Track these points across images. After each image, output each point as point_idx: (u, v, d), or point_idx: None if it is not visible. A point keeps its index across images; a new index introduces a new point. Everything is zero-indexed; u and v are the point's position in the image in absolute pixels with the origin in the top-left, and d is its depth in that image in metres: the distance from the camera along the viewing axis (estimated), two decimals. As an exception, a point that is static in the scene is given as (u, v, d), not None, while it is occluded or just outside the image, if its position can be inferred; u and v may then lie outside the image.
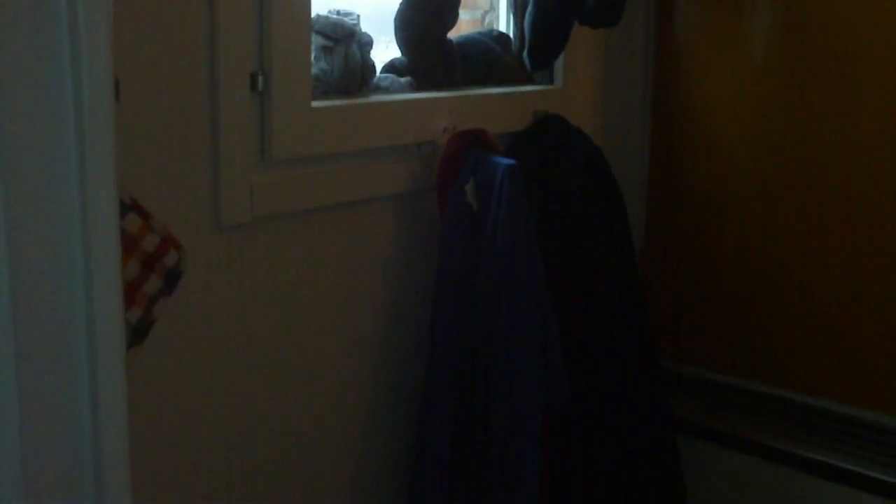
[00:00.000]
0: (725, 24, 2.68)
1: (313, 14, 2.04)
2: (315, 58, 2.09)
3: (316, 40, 2.07)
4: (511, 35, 2.62)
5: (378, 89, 2.22)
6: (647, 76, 2.84)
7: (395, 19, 2.31)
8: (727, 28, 2.67)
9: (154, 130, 1.77)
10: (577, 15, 2.47)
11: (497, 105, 2.45)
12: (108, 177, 1.11)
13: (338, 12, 2.15)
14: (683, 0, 2.76)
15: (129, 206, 1.69)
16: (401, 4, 2.30)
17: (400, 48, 2.33)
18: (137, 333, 1.75)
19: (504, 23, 2.68)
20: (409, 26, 2.30)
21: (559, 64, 2.62)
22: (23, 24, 1.03)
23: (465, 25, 2.65)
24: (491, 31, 2.60)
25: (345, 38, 2.09)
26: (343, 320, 2.16)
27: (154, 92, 1.76)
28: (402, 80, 2.28)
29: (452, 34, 2.44)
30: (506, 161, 2.14)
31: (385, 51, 2.37)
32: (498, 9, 2.69)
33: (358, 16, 2.17)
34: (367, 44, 2.15)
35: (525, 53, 2.46)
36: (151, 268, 1.74)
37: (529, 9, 2.44)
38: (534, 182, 2.33)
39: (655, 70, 2.83)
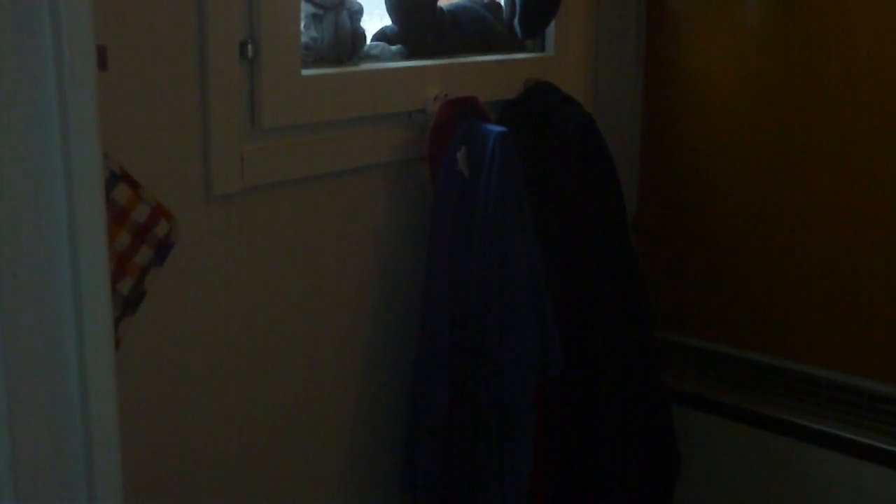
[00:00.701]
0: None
1: (303, -18, 2.03)
2: (305, 26, 2.07)
3: (306, 8, 2.06)
4: (502, 2, 2.60)
5: (368, 57, 2.21)
6: (638, 43, 2.82)
7: (385, -14, 2.30)
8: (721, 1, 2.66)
9: (143, 99, 1.76)
10: (568, -19, 2.46)
11: (488, 73, 2.44)
12: (93, 145, 1.09)
13: (328, -21, 2.14)
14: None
15: (118, 177, 1.68)
16: (391, -28, 2.29)
17: (390, 16, 2.32)
18: (129, 304, 1.74)
19: (495, -10, 2.66)
20: (398, -6, 2.29)
21: (550, 31, 2.60)
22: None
23: (456, -7, 2.63)
24: (482, -2, 2.58)
25: (334, 6, 2.08)
26: (335, 289, 2.15)
27: (143, 60, 1.74)
28: (393, 48, 2.27)
29: (443, 2, 2.42)
30: (497, 129, 2.14)
31: (379, 23, 2.36)
32: (489, -24, 2.66)
33: (347, -17, 2.15)
34: (357, 12, 2.14)
35: (516, 21, 2.45)
36: (142, 238, 1.74)
37: (520, -24, 2.43)
38: (525, 149, 2.31)
39: (648, 37, 2.82)
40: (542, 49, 2.64)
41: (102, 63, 1.67)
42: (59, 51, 1.05)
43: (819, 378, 2.59)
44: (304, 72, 2.00)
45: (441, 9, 2.40)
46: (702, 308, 2.79)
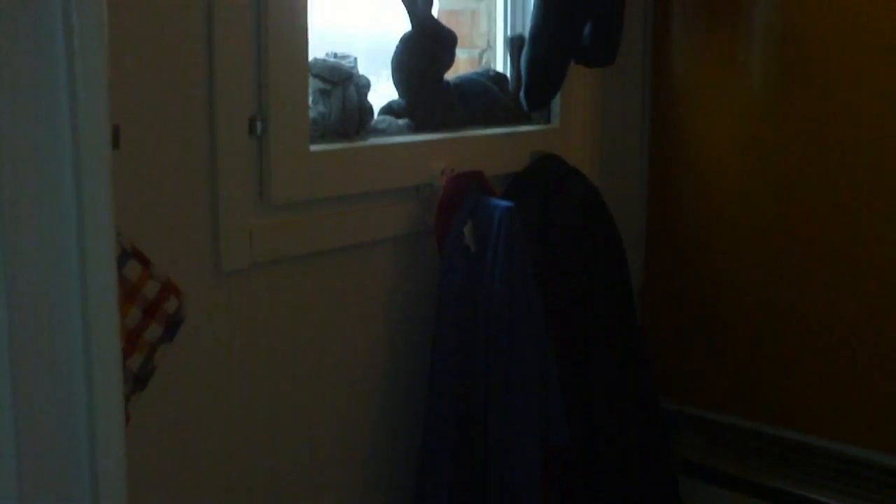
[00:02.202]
0: (722, 59, 2.68)
1: (311, 57, 2.05)
2: (313, 101, 2.09)
3: (313, 83, 2.08)
4: (508, 75, 2.63)
5: (376, 132, 2.22)
6: (643, 114, 2.85)
7: (392, 61, 2.32)
8: (724, 64, 2.68)
9: (153, 176, 1.77)
10: (573, 55, 2.49)
11: (494, 146, 2.46)
12: (107, 225, 1.10)
13: (335, 55, 2.15)
14: (679, 37, 2.78)
15: (129, 254, 1.69)
16: (397, 47, 2.31)
17: (397, 90, 2.34)
18: (139, 381, 1.75)
19: (501, 62, 2.69)
20: (405, 68, 2.31)
21: (556, 103, 2.63)
22: (22, 70, 1.03)
23: (462, 65, 2.66)
24: (488, 70, 2.60)
25: (342, 81, 2.09)
26: (343, 364, 2.15)
27: (153, 138, 1.76)
28: (400, 122, 2.28)
29: (450, 74, 2.44)
30: (503, 203, 2.15)
31: (386, 83, 2.37)
32: (495, 48, 2.70)
33: (355, 58, 2.17)
34: (364, 86, 2.15)
35: (522, 94, 2.47)
36: (152, 315, 1.75)
37: (525, 49, 2.45)
38: (532, 223, 2.33)
39: (652, 108, 2.84)
40: (548, 121, 2.66)
41: (115, 142, 1.69)
42: (75, 131, 1.07)
43: (826, 450, 2.59)
44: (313, 147, 2.01)
45: (447, 82, 2.41)
46: (707, 379, 2.79)
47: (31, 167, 1.05)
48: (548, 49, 2.42)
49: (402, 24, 2.32)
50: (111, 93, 1.57)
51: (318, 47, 2.06)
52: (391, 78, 2.34)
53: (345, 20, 2.36)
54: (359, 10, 2.36)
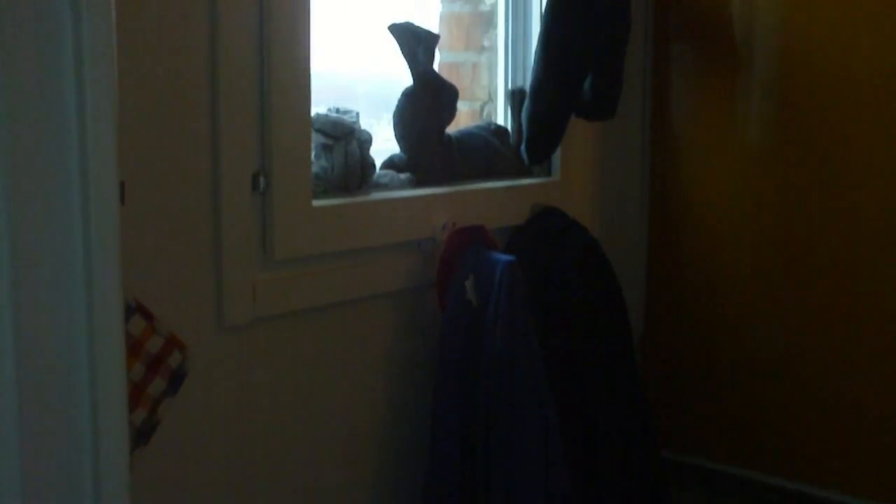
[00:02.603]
0: (720, 111, 2.71)
1: (313, 112, 2.07)
2: (315, 156, 2.11)
3: (316, 138, 2.10)
4: (509, 128, 2.65)
5: (378, 186, 2.24)
6: (643, 166, 2.87)
7: (394, 115, 2.33)
8: (721, 115, 2.70)
9: (158, 231, 1.79)
10: (573, 109, 2.50)
11: (496, 199, 2.47)
12: (114, 282, 1.11)
13: (337, 110, 2.17)
14: (678, 90, 2.80)
15: (133, 309, 1.70)
16: (399, 101, 2.33)
17: (399, 144, 2.36)
18: (142, 435, 1.75)
19: (502, 114, 2.70)
20: (407, 123, 2.32)
21: (556, 156, 2.64)
22: (33, 131, 1.04)
23: (464, 117, 2.68)
24: (489, 124, 2.62)
25: (344, 136, 2.11)
26: (346, 417, 2.16)
27: (158, 193, 1.78)
28: (402, 176, 2.30)
29: (451, 127, 2.46)
30: (505, 257, 2.16)
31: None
32: (496, 100, 2.72)
33: (357, 113, 2.19)
34: (366, 141, 2.17)
35: (522, 147, 2.49)
36: (156, 369, 1.75)
37: (526, 103, 2.47)
38: (533, 275, 2.34)
39: (652, 160, 2.86)
40: (549, 174, 2.68)
41: (120, 198, 1.70)
42: (85, 194, 1.08)
43: (827, 500, 2.58)
44: (315, 202, 2.03)
45: (449, 136, 2.43)
46: (707, 428, 2.78)
47: (41, 223, 1.06)
48: (548, 103, 2.44)
49: (402, 69, 2.33)
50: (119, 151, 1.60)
51: (319, 91, 2.07)
52: (393, 130, 2.35)
53: (345, 64, 2.39)
54: (360, 54, 2.37)
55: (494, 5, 2.68)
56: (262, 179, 1.92)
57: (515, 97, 2.62)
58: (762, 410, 2.67)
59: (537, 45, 2.47)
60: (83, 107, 1.08)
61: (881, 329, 2.46)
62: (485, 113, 2.72)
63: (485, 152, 2.51)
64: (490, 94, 2.72)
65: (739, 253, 2.69)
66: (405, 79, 2.34)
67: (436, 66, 2.38)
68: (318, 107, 2.11)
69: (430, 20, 2.68)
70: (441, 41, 2.60)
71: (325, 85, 2.18)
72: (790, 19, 2.56)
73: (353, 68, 2.42)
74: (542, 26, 2.47)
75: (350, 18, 2.38)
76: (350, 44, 2.35)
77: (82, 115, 1.09)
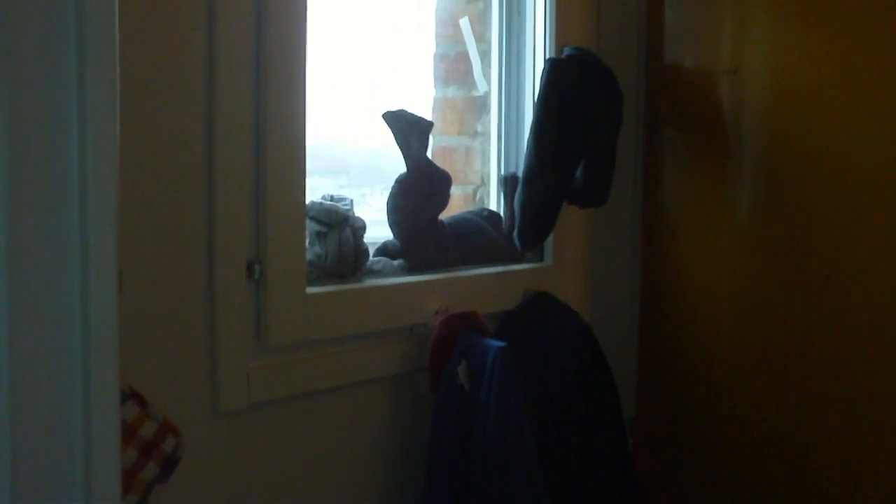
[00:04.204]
0: (711, 197, 2.73)
1: (307, 201, 2.10)
2: (309, 243, 2.13)
3: (310, 226, 2.12)
4: (501, 213, 2.67)
5: (371, 272, 2.26)
6: (634, 251, 2.89)
7: (388, 203, 2.36)
8: (713, 201, 2.72)
9: (152, 318, 1.81)
10: (565, 196, 2.53)
11: (488, 285, 2.49)
12: (111, 373, 1.13)
13: (331, 198, 2.20)
14: (669, 174, 2.83)
15: (127, 395, 1.71)
16: (392, 189, 2.36)
17: (392, 231, 2.38)
18: (134, 521, 1.76)
19: (495, 199, 2.74)
20: (400, 211, 2.35)
21: (549, 242, 2.66)
22: (35, 218, 1.07)
23: (457, 201, 2.71)
24: (482, 210, 2.65)
25: (338, 223, 2.14)
26: (339, 501, 2.16)
27: (152, 281, 1.80)
28: (395, 262, 2.32)
29: (443, 215, 2.49)
30: (496, 343, 2.17)
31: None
32: (489, 184, 2.75)
33: (351, 201, 2.22)
34: (360, 228, 2.19)
35: (515, 234, 2.50)
36: (149, 455, 1.76)
37: (518, 190, 2.50)
38: (525, 360, 2.35)
39: (643, 244, 2.89)
40: (541, 259, 2.70)
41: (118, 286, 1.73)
42: (84, 282, 1.10)
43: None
44: (309, 289, 2.05)
45: (441, 222, 2.46)
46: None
47: (39, 320, 1.08)
48: (541, 190, 2.46)
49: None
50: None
51: (312, 163, 2.08)
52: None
53: (341, 135, 2.43)
54: (355, 127, 2.40)
55: (488, 91, 2.72)
56: (256, 267, 1.94)
57: (508, 183, 2.64)
58: (755, 495, 2.66)
59: (530, 133, 2.50)
60: (85, 185, 1.10)
61: (881, 413, 2.45)
62: (477, 197, 2.75)
63: (478, 238, 2.54)
64: (483, 178, 2.75)
65: (732, 335, 2.70)
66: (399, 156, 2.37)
67: (429, 152, 2.41)
68: (312, 177, 2.13)
69: (424, 104, 2.72)
70: (435, 125, 2.65)
71: (317, 157, 2.20)
72: (778, 102, 2.59)
73: (347, 139, 2.45)
74: (534, 114, 2.50)
75: (344, 93, 2.42)
76: (345, 116, 2.38)
77: (83, 193, 1.10)
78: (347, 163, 2.33)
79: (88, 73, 1.08)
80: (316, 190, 2.23)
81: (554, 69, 2.48)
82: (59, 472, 1.11)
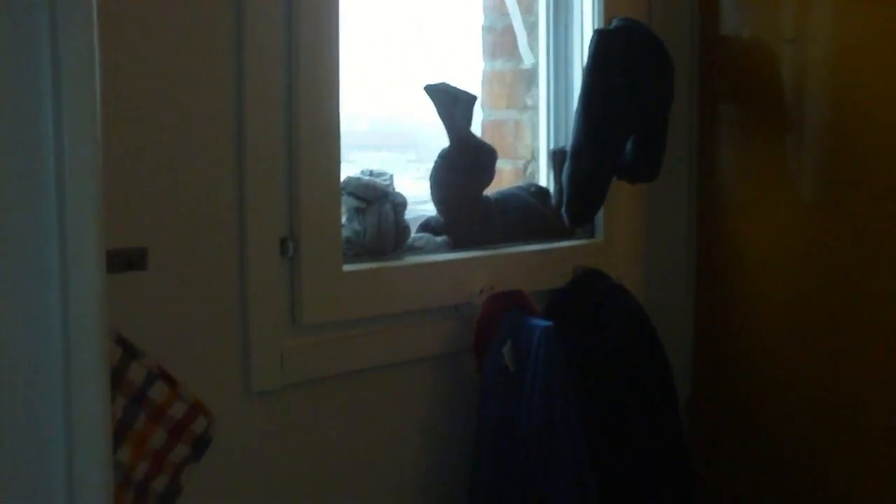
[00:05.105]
0: (770, 170, 2.64)
1: (346, 175, 2.05)
2: (348, 219, 2.09)
3: (348, 202, 2.07)
4: (550, 189, 2.61)
5: (413, 249, 2.21)
6: (689, 227, 2.81)
7: (431, 177, 2.31)
8: (772, 175, 2.63)
9: (182, 297, 1.77)
10: (615, 171, 2.46)
11: (536, 262, 2.43)
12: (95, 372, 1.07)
13: (371, 172, 2.15)
14: (725, 149, 2.75)
15: (155, 375, 1.69)
16: (435, 163, 2.30)
17: (436, 207, 2.33)
18: (163, 502, 1.72)
19: (544, 174, 2.68)
20: (443, 185, 2.29)
21: (600, 217, 2.59)
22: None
23: (506, 176, 2.66)
24: (530, 185, 2.59)
25: (377, 199, 2.08)
26: (376, 486, 2.12)
27: (183, 259, 1.77)
28: (438, 239, 2.27)
29: (494, 185, 2.43)
30: (543, 323, 2.11)
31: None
32: (539, 159, 2.69)
33: (391, 175, 2.17)
34: (400, 204, 2.14)
35: (563, 209, 2.44)
36: (178, 436, 1.73)
37: (566, 165, 2.43)
38: (573, 341, 2.29)
39: (699, 221, 2.81)
40: (592, 236, 2.63)
41: (142, 264, 1.70)
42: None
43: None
44: (346, 267, 2.00)
45: (487, 198, 2.40)
46: (759, 497, 2.70)
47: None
48: (589, 165, 2.40)
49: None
50: (137, 215, 1.59)
51: (380, 138, 2.04)
52: (429, 192, 2.32)
53: (406, 110, 2.43)
54: (418, 99, 2.36)
55: (536, 64, 2.66)
56: (290, 244, 1.90)
57: (557, 157, 2.57)
58: (817, 481, 2.58)
59: (577, 106, 2.43)
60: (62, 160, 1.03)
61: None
62: (528, 172, 2.70)
63: (525, 214, 2.48)
64: (533, 152, 2.70)
65: (793, 315, 2.61)
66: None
67: (475, 126, 2.35)
68: (381, 151, 2.09)
69: (473, 77, 2.67)
70: (483, 99, 2.60)
71: (389, 131, 2.17)
72: (841, 72, 2.50)
73: (415, 114, 2.44)
74: (582, 87, 2.43)
75: (404, 70, 2.41)
76: (412, 90, 2.34)
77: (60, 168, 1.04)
78: (415, 137, 2.28)
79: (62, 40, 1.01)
80: (385, 164, 2.21)
81: (602, 41, 2.41)
82: (38, 475, 1.05)
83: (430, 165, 2.29)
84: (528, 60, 2.65)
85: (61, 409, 1.04)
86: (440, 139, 2.27)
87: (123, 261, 1.68)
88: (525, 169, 2.70)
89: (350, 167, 2.16)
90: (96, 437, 1.07)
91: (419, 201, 2.37)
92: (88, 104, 1.01)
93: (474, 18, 2.66)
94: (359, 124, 2.41)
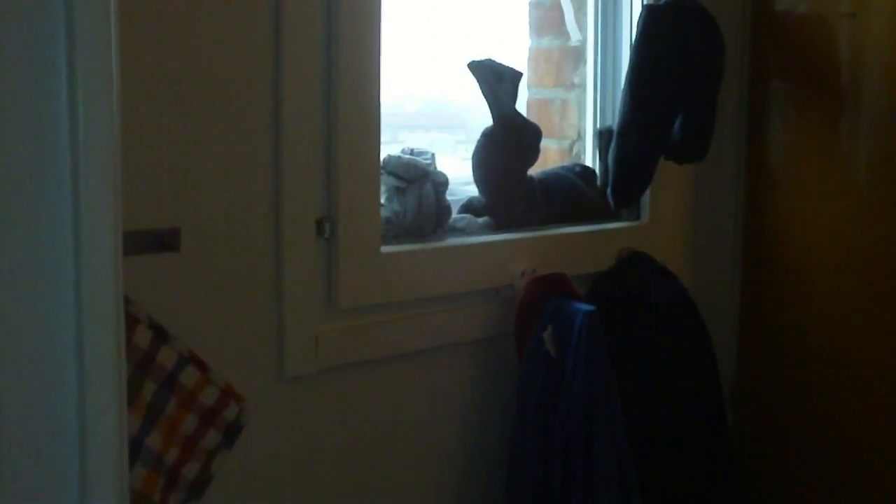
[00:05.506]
0: (822, 152, 2.57)
1: (386, 154, 2.00)
2: (387, 199, 2.04)
3: (388, 181, 2.03)
4: (596, 169, 2.55)
5: (454, 230, 2.16)
6: (738, 211, 2.75)
7: (473, 157, 2.25)
8: (824, 156, 2.56)
9: (215, 279, 1.74)
10: (662, 150, 2.40)
11: (580, 244, 2.38)
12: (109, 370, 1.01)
13: (412, 151, 2.10)
14: (776, 130, 2.67)
15: (186, 359, 1.65)
16: (478, 142, 2.24)
17: (478, 187, 2.28)
18: (194, 489, 1.70)
19: (591, 154, 2.62)
20: (486, 165, 2.24)
21: (646, 199, 2.53)
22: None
23: (552, 155, 2.61)
24: (575, 165, 2.53)
25: (418, 178, 2.04)
26: (415, 472, 2.09)
27: (216, 239, 1.73)
28: (480, 220, 2.22)
29: (539, 165, 2.38)
30: (585, 307, 2.06)
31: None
32: (585, 139, 2.63)
33: (433, 154, 2.12)
34: (442, 184, 2.09)
35: (609, 190, 2.38)
36: (210, 422, 1.70)
37: (613, 143, 2.37)
38: (617, 325, 2.25)
39: (747, 204, 2.74)
40: (637, 217, 2.57)
41: (175, 244, 1.67)
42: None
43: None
44: (384, 248, 1.96)
45: (531, 178, 2.35)
46: (804, 487, 2.64)
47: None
48: (636, 144, 2.33)
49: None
50: (169, 196, 1.54)
51: (430, 119, 1.99)
52: (472, 172, 2.27)
53: (455, 91, 2.39)
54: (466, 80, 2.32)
55: (584, 41, 2.60)
56: (326, 225, 1.86)
57: (603, 137, 2.51)
58: (866, 473, 2.52)
59: (624, 84, 2.37)
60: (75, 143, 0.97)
61: None
62: (573, 152, 2.64)
63: (570, 194, 2.42)
64: (579, 132, 2.64)
65: (840, 303, 2.54)
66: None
67: (520, 105, 2.29)
68: (430, 132, 2.05)
69: (519, 55, 2.62)
70: (530, 77, 2.54)
71: (439, 112, 2.14)
72: None
73: (464, 95, 2.40)
74: (629, 65, 2.37)
75: (453, 50, 2.37)
76: (460, 71, 2.30)
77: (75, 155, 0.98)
78: (464, 118, 2.24)
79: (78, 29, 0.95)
80: (434, 145, 2.17)
81: (650, 17, 2.34)
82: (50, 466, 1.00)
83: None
84: (575, 37, 2.59)
85: (74, 401, 0.99)
86: (489, 120, 2.22)
87: (155, 240, 1.65)
88: (571, 149, 2.64)
89: (399, 148, 2.12)
90: (109, 427, 1.01)
91: (465, 182, 2.34)
92: (104, 76, 0.95)
93: (520, -7, 2.60)
94: (410, 105, 2.38)
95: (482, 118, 2.26)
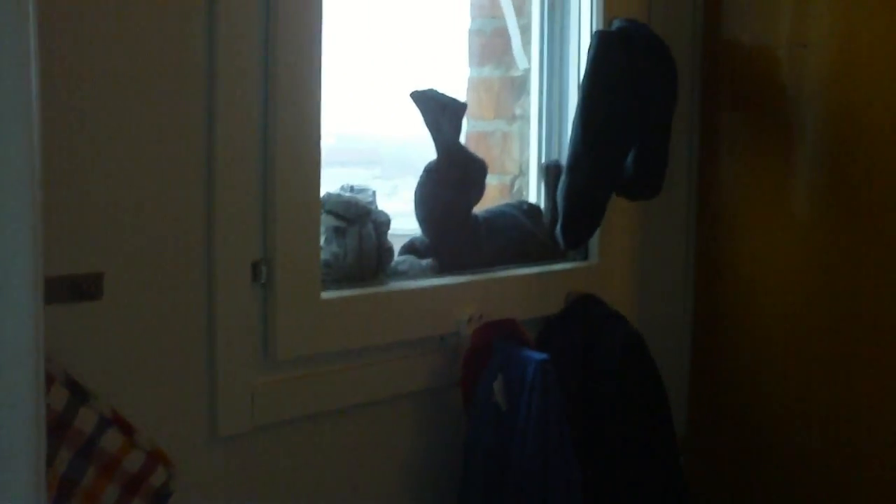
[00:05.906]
0: (771, 189, 2.53)
1: (324, 192, 1.91)
2: (326, 240, 1.95)
3: (327, 221, 1.94)
4: (542, 206, 2.47)
5: (396, 274, 2.08)
6: (688, 249, 2.70)
7: (415, 194, 2.17)
8: (773, 194, 2.52)
9: (142, 329, 1.64)
10: (614, 187, 2.34)
11: (528, 287, 2.30)
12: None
13: (351, 188, 2.02)
14: (726, 165, 2.63)
15: (108, 421, 1.54)
16: (420, 178, 2.16)
17: (420, 226, 2.19)
18: (118, 567, 1.55)
19: (534, 190, 2.54)
20: (429, 202, 2.15)
21: (595, 238, 2.46)
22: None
23: (492, 191, 2.51)
24: (521, 202, 2.45)
25: (359, 218, 1.95)
26: (357, 535, 2.00)
27: (143, 285, 1.63)
28: (423, 262, 2.14)
29: (479, 204, 2.29)
30: (537, 356, 1.99)
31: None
32: (528, 174, 2.56)
33: (374, 192, 2.04)
34: (383, 223, 2.01)
35: (558, 229, 2.31)
36: (134, 491, 1.59)
37: (563, 179, 2.30)
38: (568, 372, 2.17)
39: (697, 241, 2.70)
40: (586, 258, 2.50)
41: (97, 292, 1.56)
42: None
43: None
44: (324, 294, 1.87)
45: (476, 217, 2.26)
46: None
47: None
48: (587, 180, 2.26)
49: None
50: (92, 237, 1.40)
51: (344, 154, 1.89)
52: (413, 210, 2.16)
53: (371, 127, 2.33)
54: (385, 117, 2.25)
55: (528, 71, 2.53)
56: (263, 269, 1.76)
57: (550, 172, 2.45)
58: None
59: (575, 116, 2.30)
60: None
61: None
62: (515, 188, 2.56)
63: (516, 234, 2.34)
64: (521, 167, 2.56)
65: (795, 339, 2.49)
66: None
67: (462, 138, 2.21)
68: (346, 167, 1.95)
69: (457, 85, 2.55)
70: (469, 108, 2.43)
71: (352, 147, 2.13)
72: (845, 82, 2.39)
73: (380, 129, 2.36)
74: (580, 95, 2.30)
75: (374, 81, 2.30)
76: (377, 104, 2.23)
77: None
78: (380, 153, 2.13)
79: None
80: (349, 181, 2.09)
81: (601, 44, 2.28)
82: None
83: (397, 182, 2.17)
84: (522, 65, 2.52)
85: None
86: (405, 155, 2.12)
87: (74, 288, 1.54)
88: (512, 185, 2.57)
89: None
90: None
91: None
92: (21, 106, 0.84)
93: (460, 21, 2.54)
94: (326, 140, 2.30)
95: (398, 153, 2.16)
